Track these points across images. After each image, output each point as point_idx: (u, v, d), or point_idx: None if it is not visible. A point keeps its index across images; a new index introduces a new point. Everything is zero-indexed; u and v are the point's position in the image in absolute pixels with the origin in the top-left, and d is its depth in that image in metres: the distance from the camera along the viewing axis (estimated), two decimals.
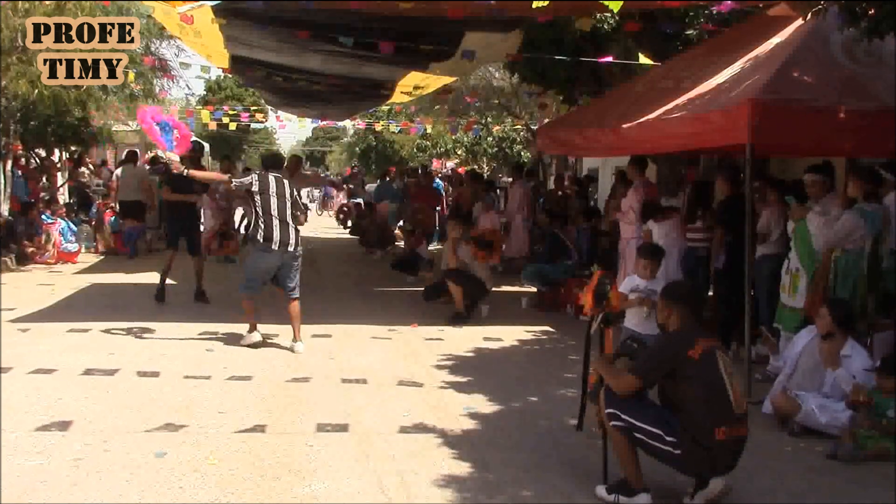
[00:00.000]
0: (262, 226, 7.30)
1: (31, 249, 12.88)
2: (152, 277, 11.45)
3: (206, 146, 23.80)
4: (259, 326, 8.20)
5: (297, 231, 7.47)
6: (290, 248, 7.37)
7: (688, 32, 9.15)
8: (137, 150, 16.90)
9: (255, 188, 7.34)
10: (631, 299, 5.89)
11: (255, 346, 7.45)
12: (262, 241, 7.31)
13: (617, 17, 9.47)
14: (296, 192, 7.62)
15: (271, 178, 7.44)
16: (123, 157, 16.75)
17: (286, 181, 7.54)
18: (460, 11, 8.08)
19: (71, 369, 6.45)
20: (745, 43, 7.29)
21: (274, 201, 7.32)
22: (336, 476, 4.45)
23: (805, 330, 5.90)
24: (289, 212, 7.39)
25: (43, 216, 13.57)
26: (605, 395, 4.24)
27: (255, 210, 7.38)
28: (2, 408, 5.34)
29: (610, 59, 8.86)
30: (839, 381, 5.40)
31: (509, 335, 8.31)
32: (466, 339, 8.11)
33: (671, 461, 4.10)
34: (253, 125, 25.76)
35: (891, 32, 5.25)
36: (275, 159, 8.12)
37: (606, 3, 6.46)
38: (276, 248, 7.31)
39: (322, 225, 23.55)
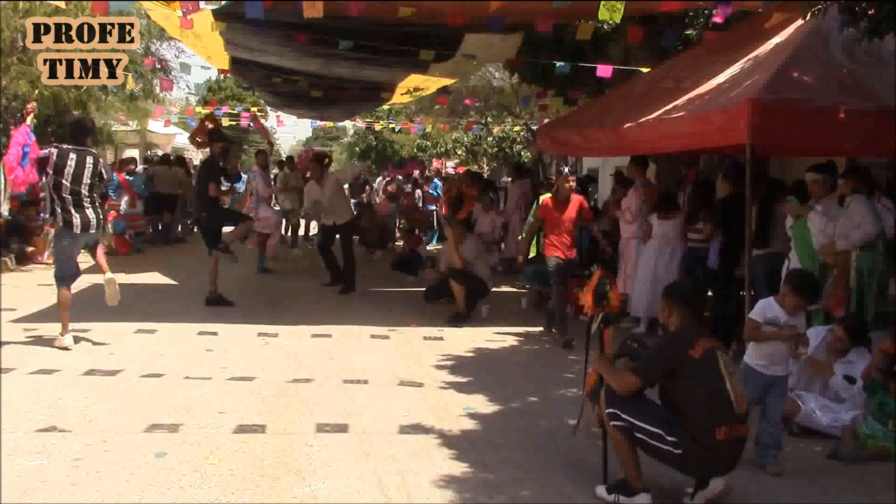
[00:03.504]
0: (60, 209, 6.94)
1: (30, 249, 12.88)
2: (152, 277, 11.49)
3: None
4: (257, 326, 8.21)
5: (97, 211, 7.10)
6: (92, 230, 7.03)
7: (688, 32, 9.16)
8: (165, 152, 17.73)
9: (51, 163, 6.89)
10: (767, 331, 4.75)
11: (66, 349, 7.01)
12: (62, 225, 6.98)
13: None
14: (100, 167, 7.11)
15: (72, 156, 6.97)
16: (159, 158, 18.55)
17: (88, 157, 7.04)
18: (460, 19, 8.09)
19: (71, 369, 6.45)
20: (745, 43, 7.30)
21: (66, 188, 6.90)
22: (336, 476, 4.45)
23: (812, 330, 5.89)
24: (85, 190, 6.98)
25: (43, 216, 13.56)
26: (606, 395, 4.24)
27: (50, 190, 6.94)
28: (2, 408, 5.34)
29: (609, 67, 8.89)
30: (835, 388, 5.41)
31: (509, 335, 8.31)
32: (466, 339, 8.11)
33: (671, 461, 4.10)
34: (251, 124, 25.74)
35: (891, 32, 5.26)
36: (78, 127, 7.37)
37: (605, 4, 6.48)
38: (79, 233, 7.01)
39: None
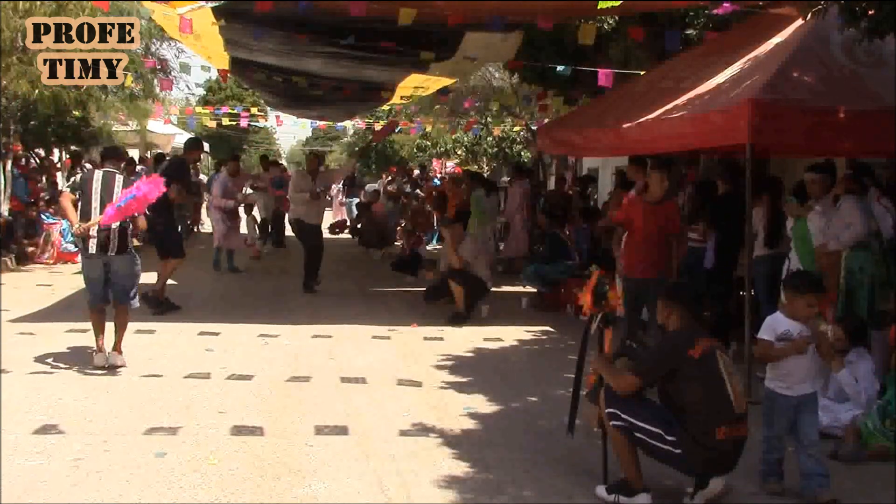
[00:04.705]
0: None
1: (30, 249, 12.88)
2: (152, 277, 11.46)
3: (206, 146, 23.93)
4: (257, 326, 8.21)
5: (122, 231, 6.51)
6: (112, 252, 6.48)
7: (688, 32, 9.15)
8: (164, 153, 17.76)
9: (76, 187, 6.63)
10: (780, 347, 4.33)
11: (100, 368, 6.55)
12: (80, 246, 6.69)
13: (617, 18, 9.48)
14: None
15: (98, 173, 6.68)
16: (154, 158, 18.16)
17: (118, 176, 6.62)
18: (460, 17, 8.09)
19: (71, 369, 6.45)
20: (745, 43, 7.29)
21: (95, 200, 6.48)
22: (336, 476, 4.45)
23: None
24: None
25: (43, 216, 13.57)
26: (606, 395, 4.24)
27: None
28: (2, 408, 5.34)
29: (611, 73, 8.90)
30: (842, 383, 5.40)
31: (509, 335, 8.31)
32: (466, 339, 8.11)
33: (671, 461, 4.10)
34: (252, 125, 25.77)
35: (891, 32, 5.26)
36: (110, 151, 7.21)
37: (603, 5, 6.48)
38: (94, 253, 6.50)
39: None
